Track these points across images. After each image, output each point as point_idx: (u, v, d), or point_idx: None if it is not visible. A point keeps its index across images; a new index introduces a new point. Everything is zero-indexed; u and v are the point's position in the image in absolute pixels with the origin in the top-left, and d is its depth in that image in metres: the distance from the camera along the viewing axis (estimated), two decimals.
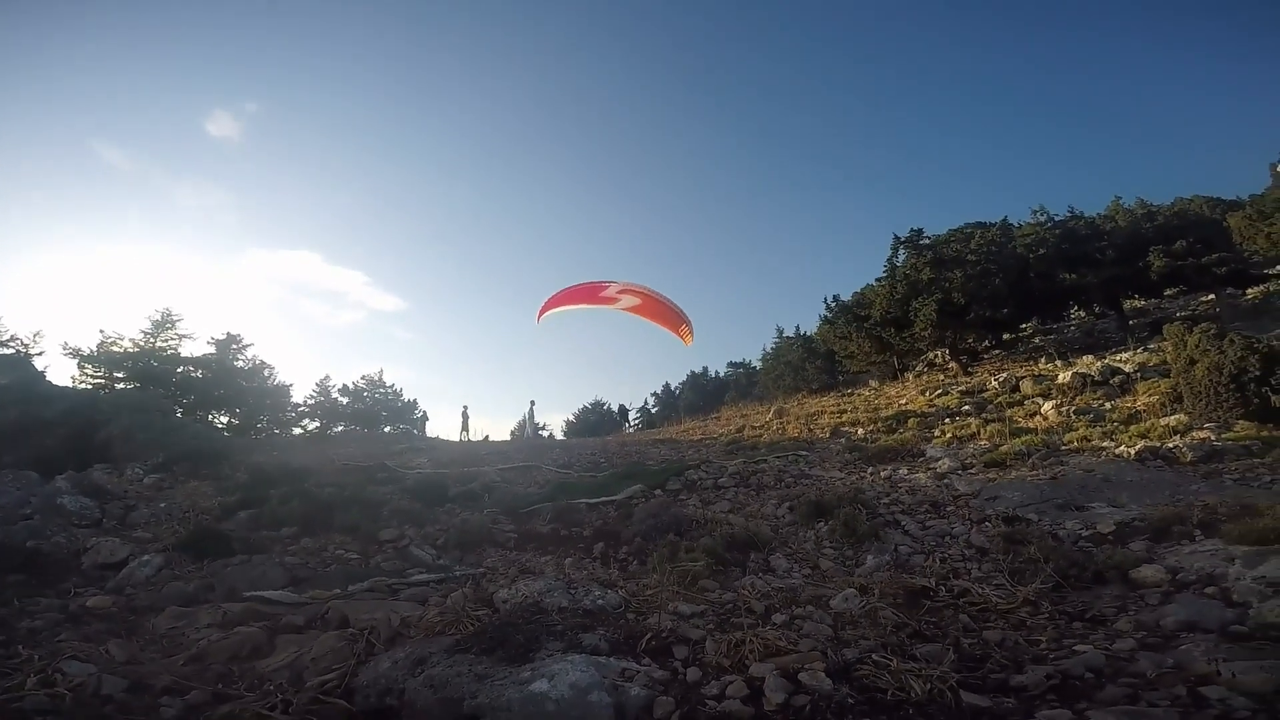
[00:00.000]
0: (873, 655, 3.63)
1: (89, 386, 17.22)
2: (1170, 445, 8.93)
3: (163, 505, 8.06)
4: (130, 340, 19.48)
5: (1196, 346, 10.75)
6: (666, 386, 46.45)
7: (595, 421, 35.72)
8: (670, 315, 13.14)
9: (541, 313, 13.05)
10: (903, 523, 7.01)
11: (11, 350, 14.10)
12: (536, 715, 3.28)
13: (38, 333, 15.55)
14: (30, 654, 3.92)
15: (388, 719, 3.57)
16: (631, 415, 33.95)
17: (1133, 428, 10.34)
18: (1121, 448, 9.37)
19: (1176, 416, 10.38)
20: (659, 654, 3.97)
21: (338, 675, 3.89)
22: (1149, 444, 9.20)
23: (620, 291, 12.56)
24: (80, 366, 18.26)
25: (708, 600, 5.00)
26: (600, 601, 4.90)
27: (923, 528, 6.86)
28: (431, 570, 6.52)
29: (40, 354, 14.85)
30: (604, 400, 37.99)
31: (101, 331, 19.42)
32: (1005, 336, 26.67)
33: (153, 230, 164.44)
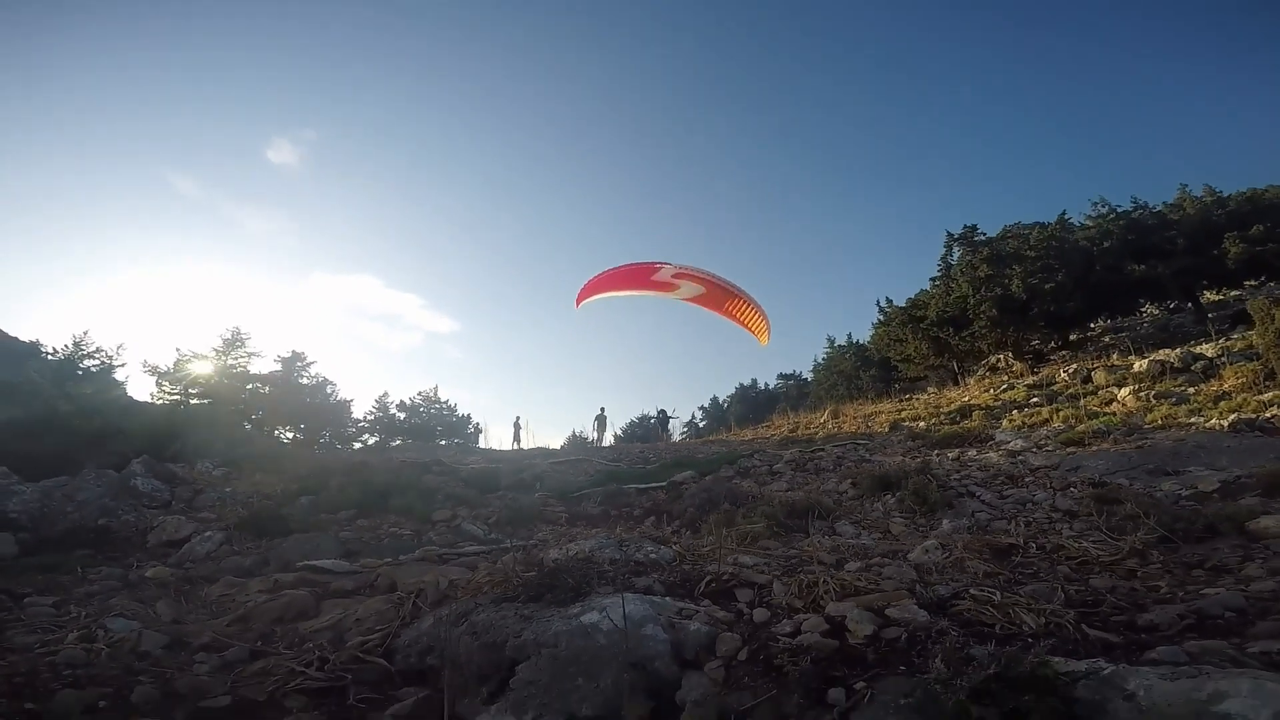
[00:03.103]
0: (970, 590, 3.26)
1: (165, 402, 18.21)
2: (1268, 416, 8.10)
3: (228, 490, 8.29)
4: (203, 358, 20.67)
5: None
6: (714, 399, 46.01)
7: (642, 435, 35.50)
8: (742, 308, 11.17)
9: (581, 298, 11.40)
10: (978, 493, 6.52)
11: (97, 361, 15.07)
12: (585, 650, 3.04)
13: (121, 345, 16.56)
14: (79, 612, 3.96)
15: (428, 679, 3.40)
16: (677, 424, 31.80)
17: (1222, 404, 9.47)
18: (1212, 421, 8.58)
19: (1271, 393, 9.45)
20: (720, 597, 3.69)
21: (380, 635, 3.78)
22: (1243, 417, 8.39)
23: (677, 276, 10.65)
24: (158, 384, 19.46)
25: (770, 555, 4.68)
26: (653, 555, 4.66)
27: (1000, 496, 6.36)
28: (483, 543, 6.42)
29: (123, 365, 15.87)
30: (650, 414, 37.77)
31: (177, 350, 20.70)
32: (1072, 337, 25.23)
33: (223, 254, 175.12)
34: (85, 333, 15.99)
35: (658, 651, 3.03)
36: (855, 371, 32.01)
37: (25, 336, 15.49)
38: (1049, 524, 5.24)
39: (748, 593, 3.67)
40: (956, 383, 24.99)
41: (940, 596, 3.25)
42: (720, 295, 11.09)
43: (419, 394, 28.17)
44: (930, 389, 25.80)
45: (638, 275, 10.84)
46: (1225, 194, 22.15)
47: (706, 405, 45.56)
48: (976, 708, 2.25)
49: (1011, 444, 9.31)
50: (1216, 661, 2.30)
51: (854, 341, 34.39)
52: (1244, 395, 9.73)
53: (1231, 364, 12.26)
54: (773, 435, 17.00)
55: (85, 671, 3.10)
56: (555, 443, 24.85)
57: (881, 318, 28.16)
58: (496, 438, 47.33)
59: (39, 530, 5.98)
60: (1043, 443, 9.14)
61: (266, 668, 3.37)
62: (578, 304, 11.47)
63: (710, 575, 3.87)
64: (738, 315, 11.34)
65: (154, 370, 19.43)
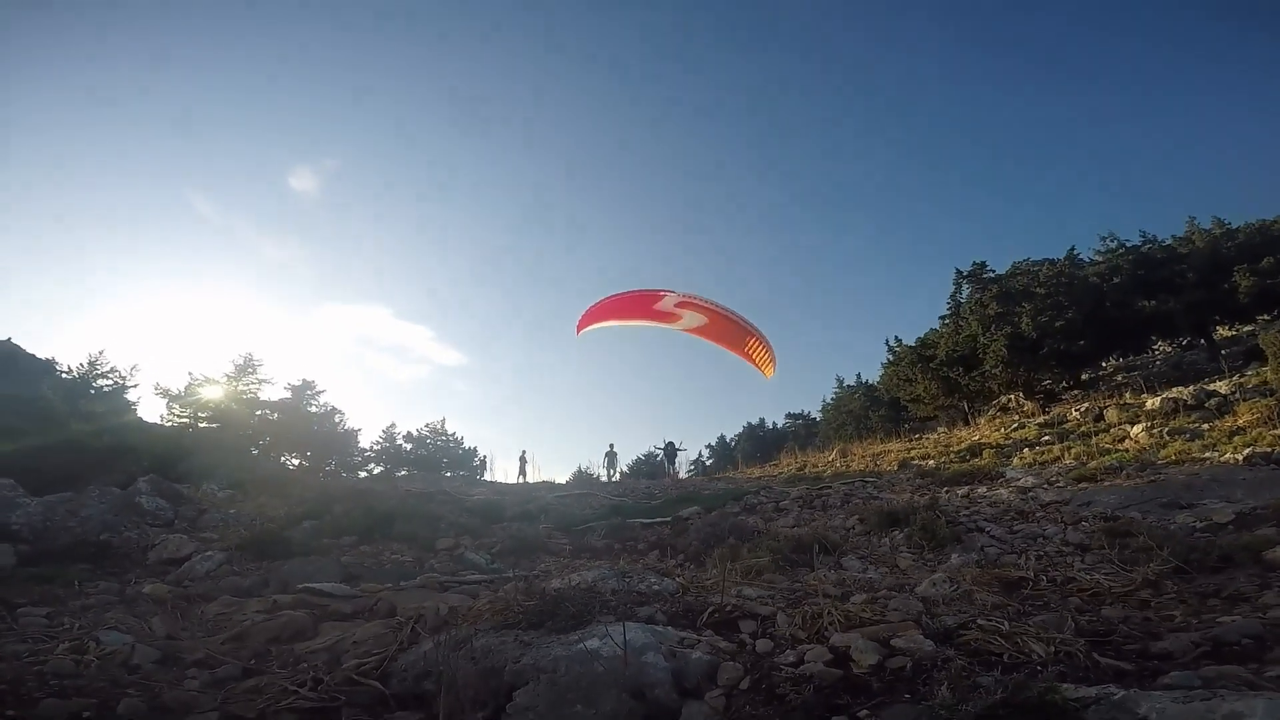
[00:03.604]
0: (978, 620, 3.18)
1: (174, 425, 18.34)
2: None
3: (232, 511, 8.27)
4: (215, 383, 20.90)
5: None
6: (721, 438, 45.68)
7: (649, 472, 35.23)
8: (746, 340, 10.58)
9: (582, 326, 10.88)
10: (987, 528, 6.39)
11: (111, 381, 15.23)
12: (585, 676, 2.98)
13: (134, 366, 16.65)
14: (73, 624, 3.93)
15: (424, 703, 3.34)
16: (685, 458, 30.00)
17: (1236, 439, 9.28)
18: (1227, 455, 8.42)
19: None
20: (723, 627, 3.61)
21: (378, 659, 3.72)
22: (1258, 450, 8.25)
23: (681, 305, 10.11)
24: (169, 406, 19.63)
25: (775, 588, 4.59)
26: (656, 587, 4.58)
27: (1010, 531, 6.24)
28: (485, 573, 6.34)
29: (135, 385, 16.02)
30: (657, 452, 37.48)
31: (190, 374, 20.96)
32: (1084, 376, 25.01)
33: (240, 279, 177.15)
34: (101, 352, 16.19)
35: (658, 679, 2.96)
36: (864, 411, 31.84)
37: (42, 354, 15.74)
38: (1060, 557, 5.13)
39: (751, 624, 3.59)
40: (967, 423, 24.69)
41: (947, 627, 3.17)
42: (724, 327, 10.56)
43: (426, 425, 28.24)
44: (940, 429, 25.52)
45: (639, 304, 10.46)
46: (1234, 226, 21.96)
47: (714, 444, 45.26)
48: None
49: (1022, 481, 9.14)
50: (1232, 686, 2.23)
51: (863, 381, 34.33)
52: (1259, 430, 9.53)
53: (1246, 400, 12.01)
54: (780, 474, 16.84)
55: (73, 682, 3.07)
56: (561, 478, 24.37)
57: (891, 357, 28.06)
58: (502, 471, 46.84)
59: (40, 543, 5.98)
60: (1054, 479, 8.98)
61: (258, 685, 3.32)
62: (578, 332, 11.01)
63: (713, 606, 3.79)
64: (741, 348, 10.84)
65: (165, 392, 19.66)
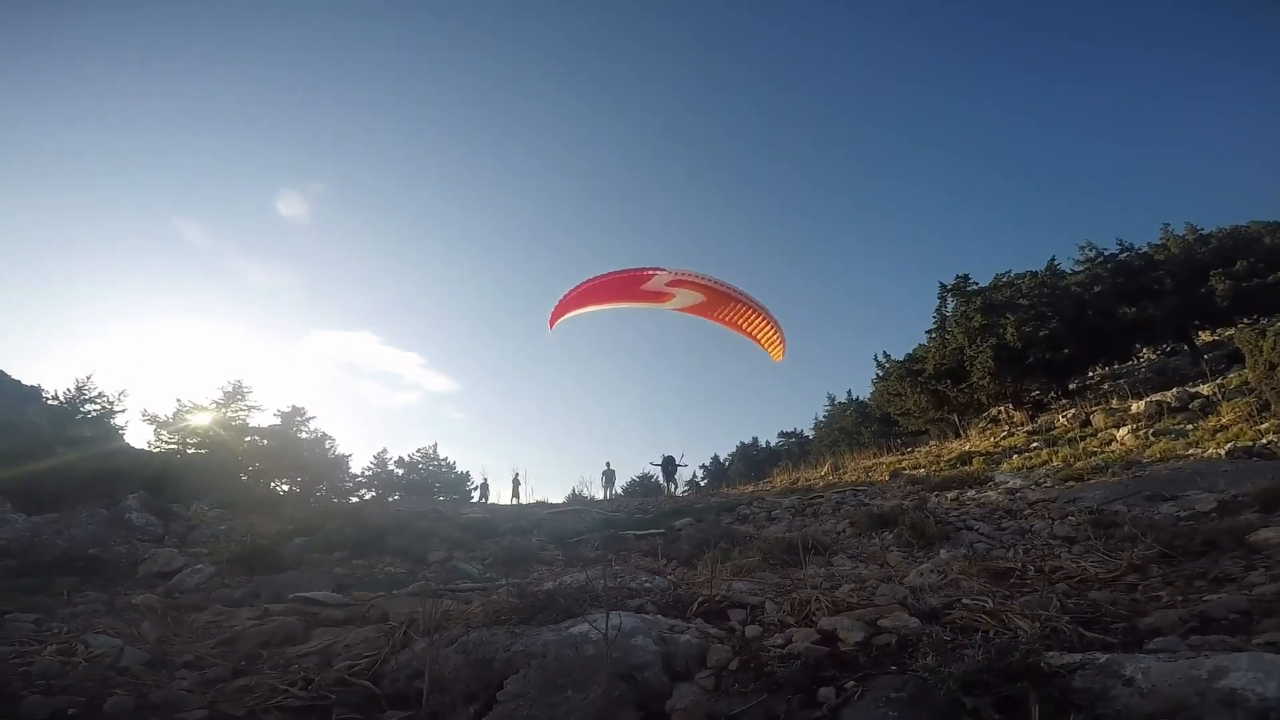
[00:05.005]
0: (963, 600, 3.23)
1: (162, 451, 18.13)
2: (1265, 442, 8.10)
3: (223, 528, 8.21)
4: (203, 409, 20.69)
5: (1274, 350, 9.95)
6: (715, 458, 45.58)
7: (643, 491, 35.06)
8: (749, 316, 9.20)
9: (556, 315, 9.46)
10: (976, 527, 6.45)
11: (98, 406, 15.06)
12: (574, 661, 3.00)
13: (122, 392, 16.44)
14: (60, 629, 3.92)
15: (416, 702, 3.34)
16: (684, 473, 28.81)
17: (1219, 436, 9.46)
18: (1209, 451, 8.57)
19: (1268, 423, 9.45)
20: (712, 616, 3.64)
21: (369, 661, 3.70)
22: (1239, 445, 8.42)
23: (673, 284, 8.73)
24: (156, 433, 19.41)
25: (764, 583, 4.62)
26: (648, 584, 4.60)
27: (998, 528, 6.30)
28: (477, 582, 6.32)
29: (123, 411, 15.85)
30: (652, 473, 37.29)
31: (178, 400, 20.75)
32: (1071, 386, 25.28)
33: (227, 307, 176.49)
34: (88, 377, 15.98)
35: (647, 662, 2.98)
36: (856, 428, 31.97)
37: (28, 380, 15.63)
38: (1047, 550, 5.18)
39: (740, 612, 3.63)
40: (958, 435, 24.80)
41: (932, 607, 3.21)
42: (722, 303, 9.32)
43: (418, 451, 28.16)
44: (932, 442, 25.61)
45: (625, 285, 9.11)
46: (1206, 231, 22.52)
47: (708, 464, 45.14)
48: (969, 698, 2.22)
49: (1010, 483, 9.21)
50: (1218, 649, 2.28)
51: (854, 398, 34.56)
52: (1241, 426, 9.73)
53: (1228, 400, 12.18)
54: (773, 488, 16.85)
55: (59, 682, 3.05)
56: (556, 499, 23.92)
57: (880, 373, 28.26)
58: (495, 494, 46.43)
59: (27, 557, 5.92)
60: (1041, 480, 9.07)
61: (248, 685, 3.30)
62: (551, 324, 9.70)
63: (703, 597, 3.82)
64: (744, 327, 9.50)
65: (153, 419, 19.46)
